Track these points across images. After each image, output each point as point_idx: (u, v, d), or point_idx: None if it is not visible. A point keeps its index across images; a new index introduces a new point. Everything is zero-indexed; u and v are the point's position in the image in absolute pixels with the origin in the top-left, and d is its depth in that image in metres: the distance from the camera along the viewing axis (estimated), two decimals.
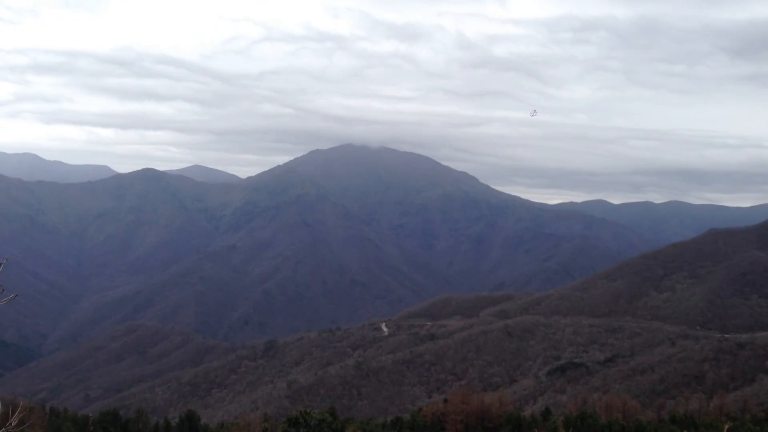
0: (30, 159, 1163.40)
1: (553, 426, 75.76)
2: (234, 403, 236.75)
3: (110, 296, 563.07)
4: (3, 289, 7.31)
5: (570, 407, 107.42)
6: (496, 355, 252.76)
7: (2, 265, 7.51)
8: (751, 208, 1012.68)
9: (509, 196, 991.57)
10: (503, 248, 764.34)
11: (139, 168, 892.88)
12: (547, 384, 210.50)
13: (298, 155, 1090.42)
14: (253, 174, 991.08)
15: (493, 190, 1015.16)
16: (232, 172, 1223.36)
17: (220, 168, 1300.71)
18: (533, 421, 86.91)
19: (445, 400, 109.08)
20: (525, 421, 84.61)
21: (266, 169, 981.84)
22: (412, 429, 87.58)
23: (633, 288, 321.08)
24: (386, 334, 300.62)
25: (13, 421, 7.83)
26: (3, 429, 7.75)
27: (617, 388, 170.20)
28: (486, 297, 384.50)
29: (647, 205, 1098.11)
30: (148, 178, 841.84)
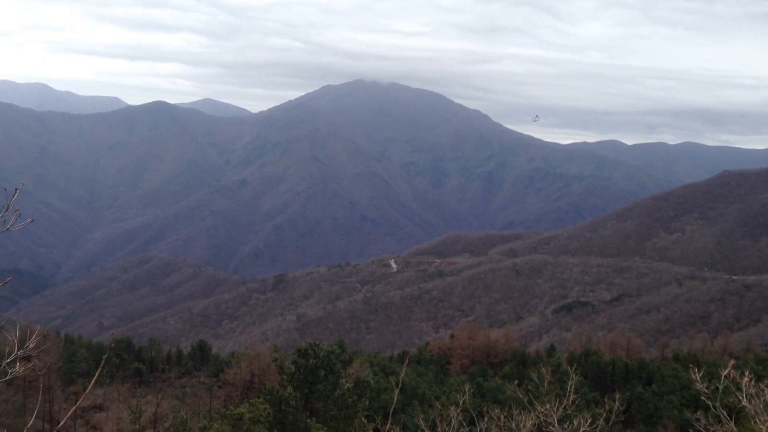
0: (41, 89, 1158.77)
1: (557, 362, 76.96)
2: (244, 334, 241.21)
3: (122, 227, 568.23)
4: (20, 214, 7.36)
5: (575, 345, 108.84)
6: (503, 293, 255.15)
7: (18, 190, 7.55)
8: (766, 150, 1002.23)
9: (521, 135, 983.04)
10: (514, 187, 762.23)
11: (150, 100, 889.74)
12: (553, 322, 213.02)
13: (309, 90, 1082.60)
14: (264, 109, 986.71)
15: (505, 128, 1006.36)
16: (242, 107, 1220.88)
17: (230, 102, 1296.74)
18: (538, 358, 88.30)
19: (452, 336, 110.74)
20: (530, 357, 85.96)
21: (277, 104, 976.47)
22: (419, 363, 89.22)
23: (642, 229, 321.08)
24: (395, 270, 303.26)
25: (31, 344, 8.06)
26: (21, 351, 7.98)
27: (622, 327, 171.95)
28: (495, 235, 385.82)
29: (661, 146, 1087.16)
30: (159, 110, 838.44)
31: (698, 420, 10.81)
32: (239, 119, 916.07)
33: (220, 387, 70.71)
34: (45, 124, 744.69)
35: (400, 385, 12.46)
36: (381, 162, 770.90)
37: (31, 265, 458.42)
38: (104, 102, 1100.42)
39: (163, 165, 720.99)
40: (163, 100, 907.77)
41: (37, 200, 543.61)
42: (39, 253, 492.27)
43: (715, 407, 10.31)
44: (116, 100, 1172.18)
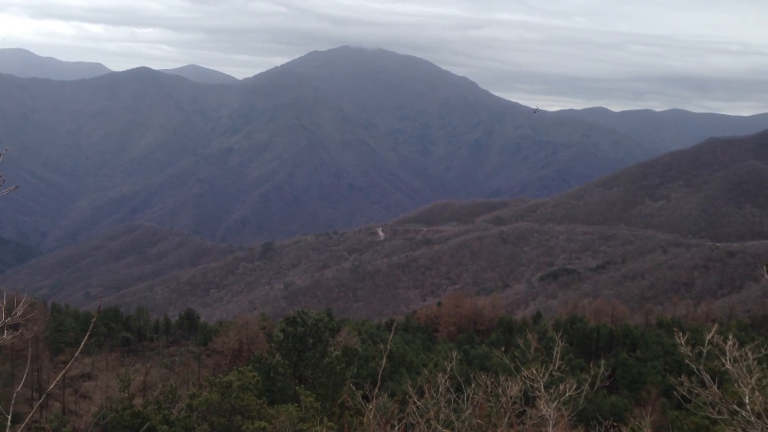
0: (22, 55, 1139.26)
1: (543, 329, 77.76)
2: (232, 302, 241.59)
3: (108, 196, 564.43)
4: (4, 180, 7.25)
5: (560, 311, 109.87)
6: (490, 261, 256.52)
7: (2, 156, 7.45)
8: (752, 117, 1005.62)
9: (508, 102, 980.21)
10: (501, 155, 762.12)
11: (133, 67, 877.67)
12: (539, 289, 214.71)
13: (295, 57, 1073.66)
14: (250, 75, 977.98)
15: (493, 95, 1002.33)
16: (228, 73, 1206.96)
17: (215, 68, 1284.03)
18: (524, 325, 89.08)
19: (439, 304, 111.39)
20: (516, 325, 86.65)
21: (263, 70, 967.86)
22: (406, 331, 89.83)
23: (628, 196, 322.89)
24: (382, 238, 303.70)
25: (18, 311, 8.02)
26: (8, 319, 7.94)
27: (607, 294, 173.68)
28: (482, 203, 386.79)
29: (647, 113, 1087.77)
30: (143, 77, 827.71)
31: (681, 384, 10.96)
32: (225, 86, 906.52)
33: (208, 355, 70.88)
34: (27, 91, 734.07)
35: (387, 352, 12.52)
36: (368, 130, 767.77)
37: (16, 234, 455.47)
38: (87, 68, 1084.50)
39: (148, 132, 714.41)
40: (147, 66, 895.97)
41: (20, 168, 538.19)
42: (24, 222, 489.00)
43: (698, 371, 10.46)
44: (99, 66, 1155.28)
